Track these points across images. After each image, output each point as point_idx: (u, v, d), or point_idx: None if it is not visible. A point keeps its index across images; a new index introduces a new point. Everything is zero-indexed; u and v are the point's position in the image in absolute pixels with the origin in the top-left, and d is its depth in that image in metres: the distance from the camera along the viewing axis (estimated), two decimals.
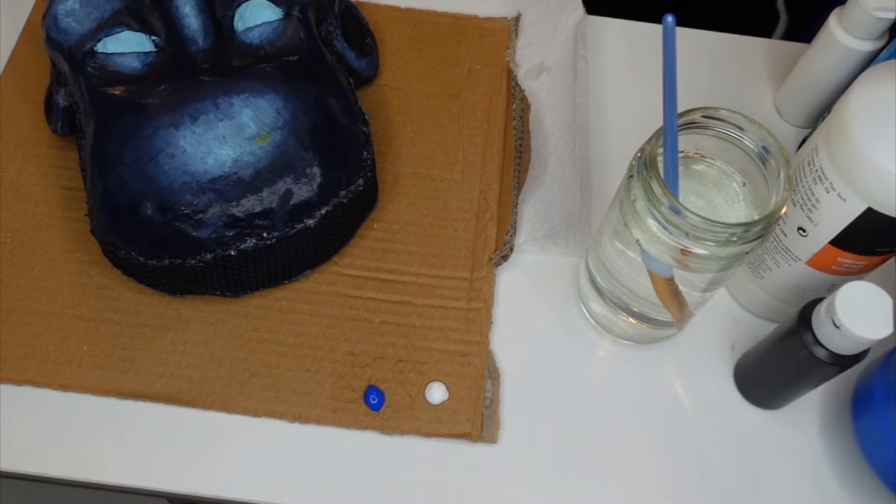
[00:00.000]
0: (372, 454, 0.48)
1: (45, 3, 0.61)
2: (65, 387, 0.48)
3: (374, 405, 0.49)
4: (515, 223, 0.55)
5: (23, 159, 0.56)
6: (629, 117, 0.60)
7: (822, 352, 0.43)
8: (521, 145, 0.59)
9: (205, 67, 0.49)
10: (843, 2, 0.54)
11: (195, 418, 0.48)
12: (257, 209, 0.47)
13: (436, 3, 0.65)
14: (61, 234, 0.53)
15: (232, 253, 0.47)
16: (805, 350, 0.43)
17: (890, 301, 0.41)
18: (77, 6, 0.49)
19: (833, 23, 0.54)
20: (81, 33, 0.49)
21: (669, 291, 0.45)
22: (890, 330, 0.40)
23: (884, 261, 0.46)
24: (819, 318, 0.43)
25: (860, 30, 0.52)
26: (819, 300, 0.43)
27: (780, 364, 0.46)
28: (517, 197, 0.56)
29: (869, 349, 0.43)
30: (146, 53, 0.49)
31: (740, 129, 0.42)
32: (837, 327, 0.41)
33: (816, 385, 0.46)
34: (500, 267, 0.54)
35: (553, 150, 0.58)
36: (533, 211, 0.56)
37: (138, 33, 0.49)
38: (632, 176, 0.42)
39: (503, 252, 0.53)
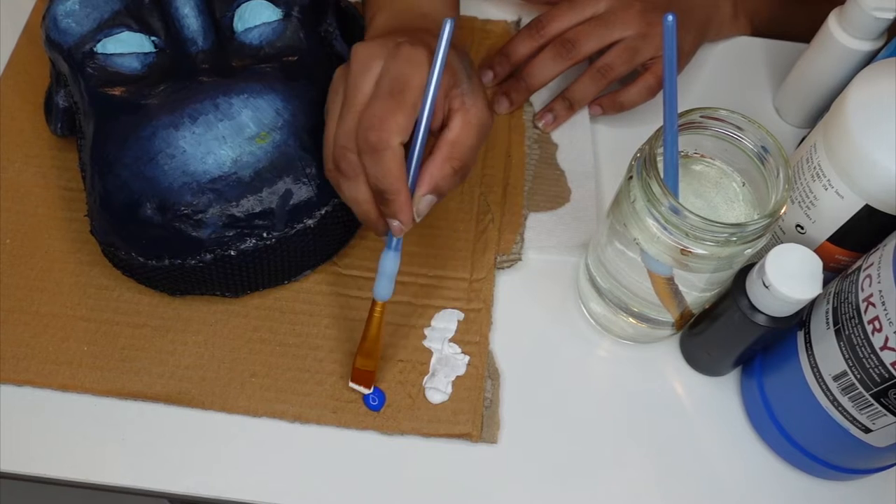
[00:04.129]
0: (372, 454, 0.48)
1: (44, 5, 0.61)
2: (65, 387, 0.48)
3: (374, 406, 0.48)
4: (524, 233, 0.55)
5: (23, 160, 0.56)
6: (629, 117, 0.60)
7: (755, 313, 0.43)
8: (535, 150, 0.59)
9: (204, 68, 0.49)
10: None
11: (195, 418, 0.48)
12: (257, 209, 0.47)
13: None
14: (61, 235, 0.53)
15: (232, 253, 0.47)
16: (739, 312, 0.43)
17: (819, 262, 0.41)
18: (77, 7, 0.49)
19: (832, 23, 0.54)
20: (81, 34, 0.49)
21: (669, 291, 0.45)
22: (818, 291, 0.41)
23: None
24: (752, 280, 0.43)
25: (859, 30, 0.52)
26: (754, 264, 0.44)
27: (718, 328, 0.47)
28: (527, 208, 0.56)
29: (803, 310, 0.43)
30: (146, 54, 0.49)
31: (739, 129, 0.42)
32: (767, 288, 0.41)
33: (753, 348, 0.47)
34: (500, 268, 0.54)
35: (564, 159, 0.58)
36: (547, 224, 0.56)
37: (138, 34, 0.49)
38: (631, 176, 0.42)
39: (510, 257, 0.54)
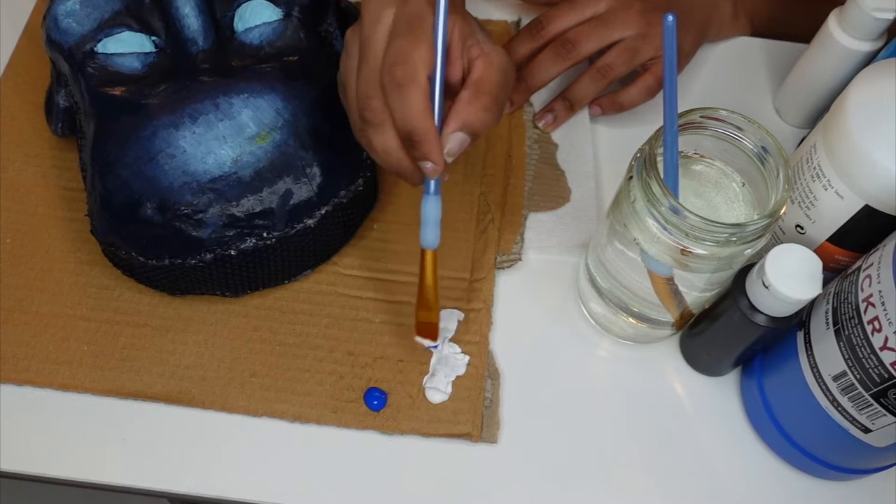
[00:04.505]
0: (372, 454, 0.48)
1: (45, 5, 0.61)
2: (65, 387, 0.48)
3: (375, 407, 0.48)
4: (524, 233, 0.55)
5: (23, 159, 0.56)
6: (629, 117, 0.60)
7: (755, 313, 0.43)
8: (535, 151, 0.59)
9: (205, 68, 0.49)
10: None
11: (195, 418, 0.48)
12: (257, 209, 0.47)
13: None
14: (61, 235, 0.53)
15: (232, 253, 0.47)
16: (739, 312, 0.44)
17: (819, 262, 0.41)
18: (77, 7, 0.49)
19: (832, 23, 0.54)
20: (82, 34, 0.49)
21: (669, 291, 0.45)
22: (818, 291, 0.41)
23: None
24: (752, 280, 0.43)
25: (859, 30, 0.52)
26: (754, 265, 0.44)
27: (718, 328, 0.47)
28: (527, 208, 0.56)
29: (803, 310, 0.43)
30: (146, 54, 0.49)
31: (739, 129, 0.42)
32: (767, 288, 0.41)
33: (753, 349, 0.47)
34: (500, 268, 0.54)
35: (564, 159, 0.58)
36: (547, 224, 0.56)
37: (138, 34, 0.49)
38: (631, 177, 0.42)
39: (510, 257, 0.54)
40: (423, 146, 0.40)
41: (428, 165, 0.41)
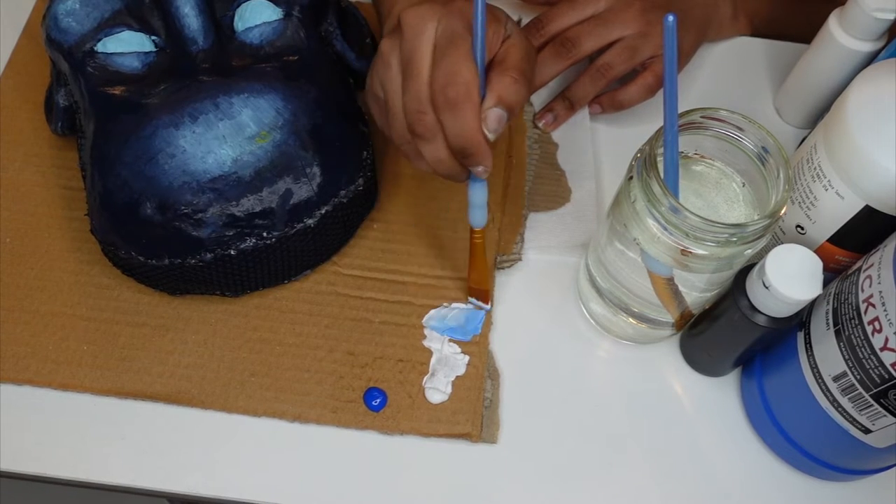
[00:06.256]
0: (372, 454, 0.48)
1: (44, 4, 0.61)
2: (65, 386, 0.48)
3: (375, 407, 0.48)
4: (524, 233, 0.55)
5: (23, 159, 0.56)
6: (629, 117, 0.60)
7: (755, 314, 0.43)
8: (535, 151, 0.59)
9: (205, 67, 0.49)
10: None
11: (195, 418, 0.48)
12: (257, 209, 0.47)
13: None
14: (61, 234, 0.53)
15: (232, 253, 0.47)
16: (739, 313, 0.44)
17: (819, 263, 0.41)
18: (77, 6, 0.49)
19: (832, 23, 0.54)
20: (81, 33, 0.49)
21: (669, 291, 0.45)
22: (818, 291, 0.41)
23: None
24: (752, 280, 0.43)
25: (859, 30, 0.52)
26: (754, 265, 0.44)
27: (718, 329, 0.47)
28: (527, 208, 0.56)
29: (803, 310, 0.43)
30: (146, 53, 0.49)
31: (740, 129, 0.42)
32: (767, 288, 0.41)
33: (753, 349, 0.47)
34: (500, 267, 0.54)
35: (564, 159, 0.58)
36: (548, 224, 0.56)
37: (138, 33, 0.49)
38: (631, 177, 0.42)
39: (511, 257, 0.54)
40: (476, 157, 0.42)
41: (479, 169, 0.43)
